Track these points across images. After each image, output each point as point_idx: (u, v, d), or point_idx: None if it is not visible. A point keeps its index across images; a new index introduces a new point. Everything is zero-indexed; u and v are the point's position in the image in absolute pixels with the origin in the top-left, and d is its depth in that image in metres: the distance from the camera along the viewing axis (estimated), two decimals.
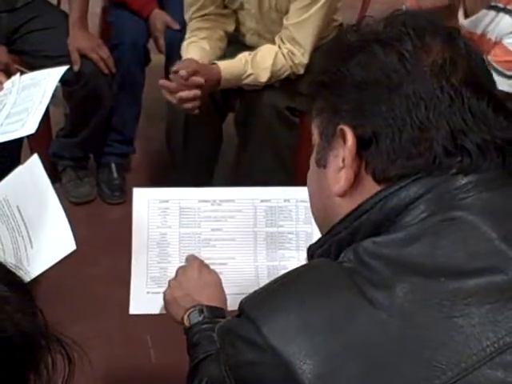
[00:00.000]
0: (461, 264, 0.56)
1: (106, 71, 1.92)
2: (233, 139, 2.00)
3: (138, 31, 2.05)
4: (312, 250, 0.70)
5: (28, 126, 1.30)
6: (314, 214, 0.75)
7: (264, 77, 1.72)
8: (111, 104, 2.02)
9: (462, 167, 0.60)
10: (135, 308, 1.09)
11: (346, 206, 0.65)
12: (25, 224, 1.05)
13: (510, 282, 0.54)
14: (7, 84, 1.50)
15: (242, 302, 0.62)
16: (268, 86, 1.75)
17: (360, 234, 0.62)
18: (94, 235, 1.98)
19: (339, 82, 0.65)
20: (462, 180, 0.60)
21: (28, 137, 2.05)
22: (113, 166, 2.17)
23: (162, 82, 1.67)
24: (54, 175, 2.15)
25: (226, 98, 1.86)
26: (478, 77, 0.63)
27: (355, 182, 0.64)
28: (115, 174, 2.17)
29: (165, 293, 1.03)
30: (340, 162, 0.64)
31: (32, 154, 2.09)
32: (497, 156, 0.61)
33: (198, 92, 1.62)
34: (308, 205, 1.11)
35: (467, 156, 0.61)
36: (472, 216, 0.58)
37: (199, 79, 1.62)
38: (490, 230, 0.57)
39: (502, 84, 1.35)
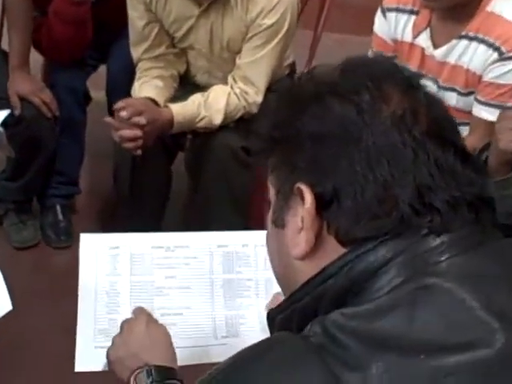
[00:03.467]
0: (440, 338, 0.51)
1: (49, 115, 1.88)
2: (183, 178, 1.96)
3: (74, 73, 2.01)
4: (272, 316, 0.65)
5: None
6: (275, 276, 0.70)
7: (218, 119, 1.69)
8: (54, 147, 1.98)
9: (433, 227, 0.56)
10: (81, 365, 1.01)
11: (307, 271, 0.60)
12: None
13: (497, 357, 0.50)
14: None
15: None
16: (222, 125, 1.72)
17: (325, 300, 0.58)
18: (39, 282, 1.92)
19: (293, 136, 0.61)
20: (434, 241, 0.56)
21: None
22: (58, 207, 2.11)
23: (107, 119, 1.63)
24: None
25: (175, 137, 1.82)
26: (441, 127, 0.60)
27: (316, 244, 0.59)
28: (60, 217, 2.10)
29: (108, 351, 0.95)
30: (299, 222, 0.59)
31: None
32: (468, 212, 0.58)
33: (138, 132, 1.59)
34: None
35: (437, 214, 0.56)
36: (448, 283, 0.54)
37: (141, 119, 1.59)
38: (469, 298, 0.53)
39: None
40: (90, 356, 1.00)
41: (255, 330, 1.06)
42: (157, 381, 0.88)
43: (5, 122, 1.78)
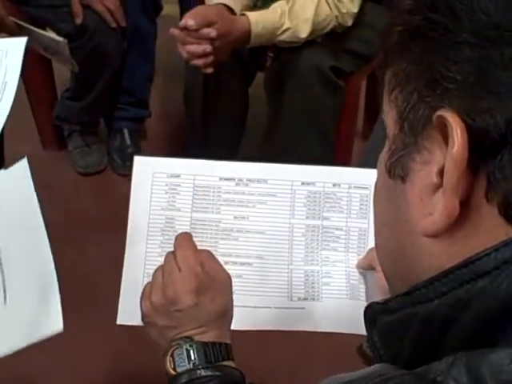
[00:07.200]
0: None
1: (114, 25, 1.72)
2: (262, 105, 1.75)
3: None
4: (374, 313, 0.42)
5: None
6: (380, 255, 0.46)
7: (304, 31, 1.46)
8: (120, 62, 1.83)
9: None
10: (125, 316, 0.83)
11: (439, 255, 0.38)
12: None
13: None
14: None
15: None
16: (308, 41, 1.49)
17: (470, 312, 0.34)
18: (102, 211, 1.82)
19: (446, 27, 0.36)
20: None
21: (30, 98, 1.87)
22: (125, 131, 1.99)
23: (172, 30, 1.42)
24: (60, 141, 2.03)
25: (254, 54, 1.62)
26: None
27: (461, 216, 0.36)
28: (128, 142, 1.98)
29: (143, 308, 0.75)
30: (434, 175, 0.37)
31: (35, 116, 1.94)
32: None
33: (208, 47, 1.39)
34: (364, 193, 0.86)
35: None
36: None
37: (211, 31, 1.37)
38: None
39: None
40: (136, 306, 0.83)
41: (342, 294, 0.85)
42: (201, 365, 0.69)
43: (68, 34, 1.64)
